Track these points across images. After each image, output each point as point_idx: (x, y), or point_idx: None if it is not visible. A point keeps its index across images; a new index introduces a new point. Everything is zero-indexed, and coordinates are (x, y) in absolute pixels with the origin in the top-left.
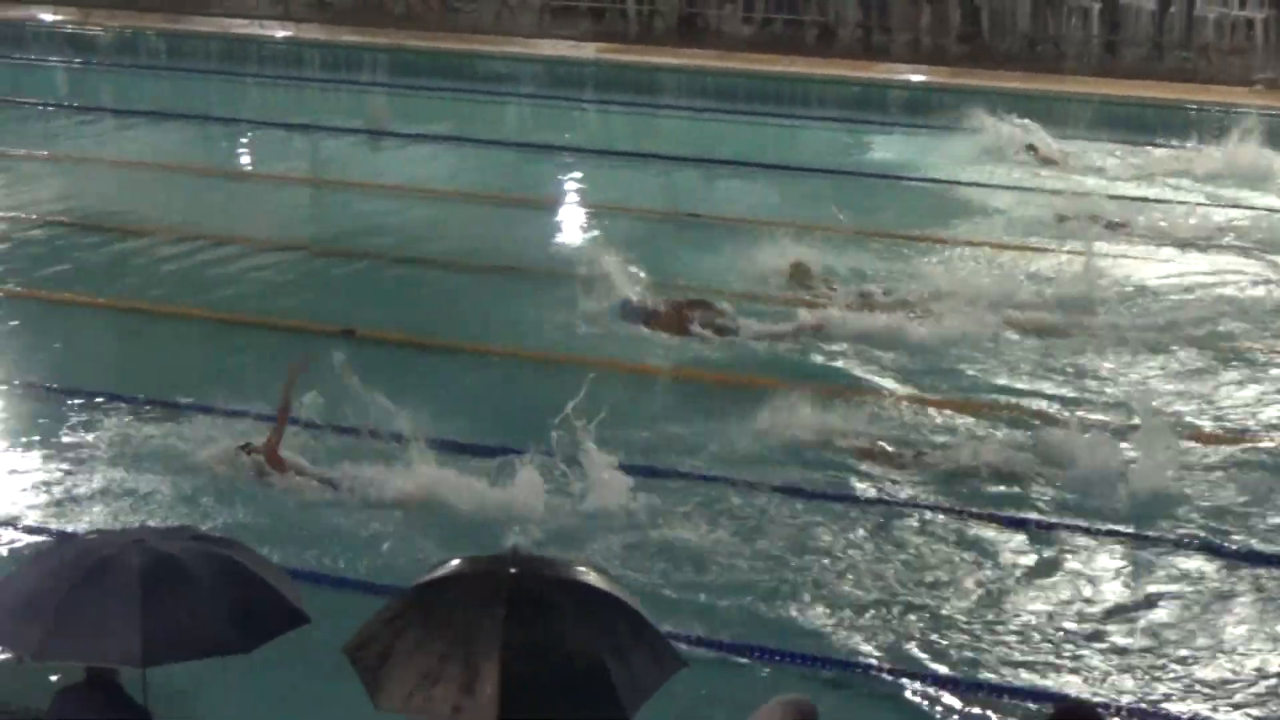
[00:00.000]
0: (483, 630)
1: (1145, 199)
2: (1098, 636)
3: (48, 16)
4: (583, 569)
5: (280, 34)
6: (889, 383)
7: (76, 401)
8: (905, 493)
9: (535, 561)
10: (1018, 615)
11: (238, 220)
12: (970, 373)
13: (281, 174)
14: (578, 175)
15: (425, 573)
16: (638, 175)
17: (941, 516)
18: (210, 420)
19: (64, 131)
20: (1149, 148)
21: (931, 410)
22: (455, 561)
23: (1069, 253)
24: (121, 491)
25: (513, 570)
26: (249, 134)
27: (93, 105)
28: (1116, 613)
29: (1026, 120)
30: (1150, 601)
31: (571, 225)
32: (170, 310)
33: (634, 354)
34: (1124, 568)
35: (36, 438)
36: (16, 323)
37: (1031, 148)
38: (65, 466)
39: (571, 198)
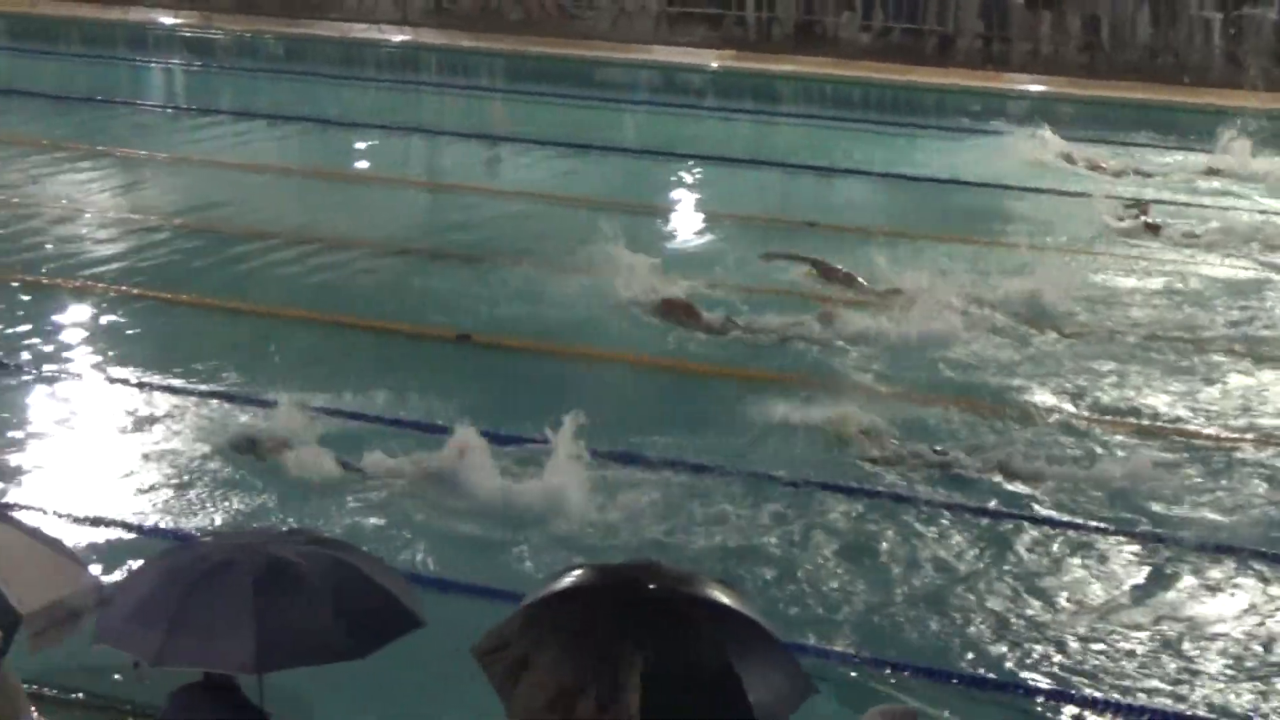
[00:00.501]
0: (623, 648)
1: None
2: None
3: (168, 20)
4: (718, 586)
5: (398, 38)
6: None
7: (185, 400)
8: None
9: (672, 576)
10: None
11: (353, 223)
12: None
13: (398, 178)
14: (694, 181)
15: (558, 575)
16: (754, 182)
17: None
18: (319, 421)
19: (183, 134)
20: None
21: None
22: (591, 570)
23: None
24: (233, 490)
25: (651, 586)
26: (366, 138)
27: (212, 108)
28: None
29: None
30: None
31: (686, 231)
32: (283, 312)
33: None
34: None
35: (144, 435)
36: (131, 321)
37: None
38: (175, 465)
39: (687, 204)
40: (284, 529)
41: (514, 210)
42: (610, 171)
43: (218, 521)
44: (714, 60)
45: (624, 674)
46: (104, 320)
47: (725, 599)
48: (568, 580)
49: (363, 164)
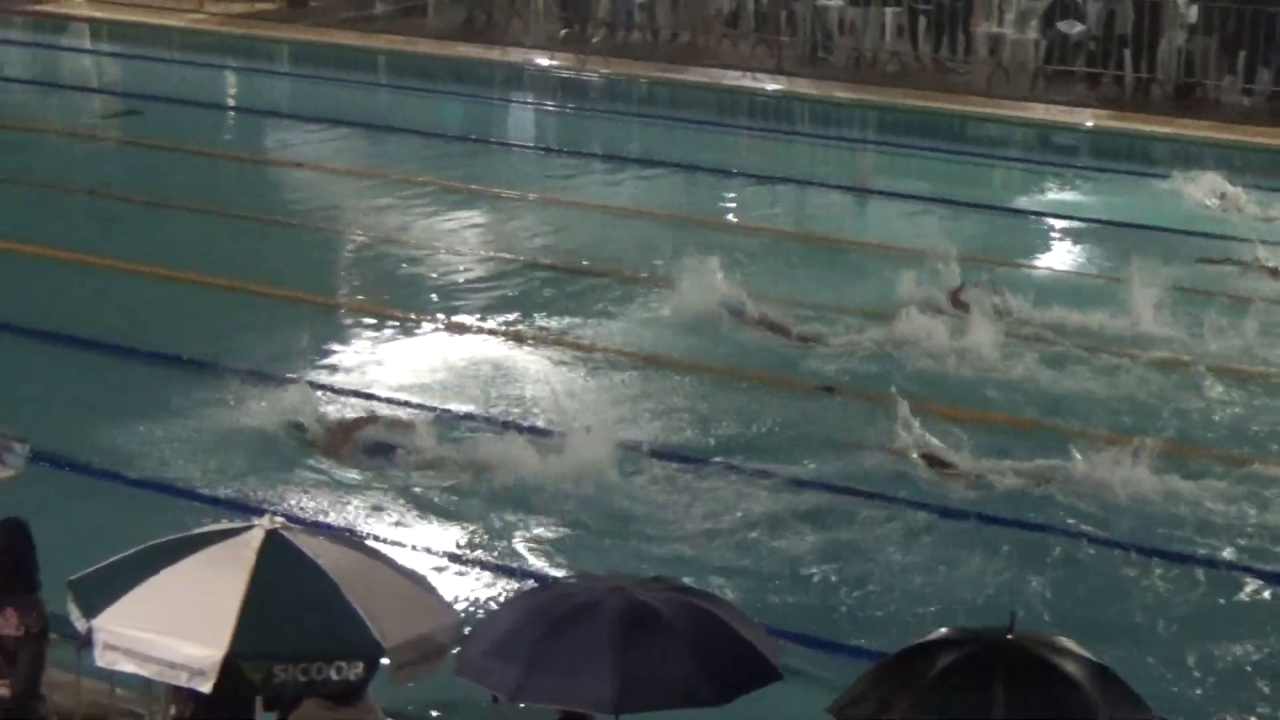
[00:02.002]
0: (969, 702)
1: None
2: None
3: (544, 61)
4: (1074, 643)
5: (771, 87)
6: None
7: (539, 439)
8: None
9: (1030, 634)
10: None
11: (716, 271)
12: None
13: (765, 226)
14: (1064, 242)
15: (919, 638)
16: (1128, 244)
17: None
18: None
19: (553, 175)
20: None
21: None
22: (947, 629)
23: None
24: (586, 532)
25: (1007, 637)
26: (735, 185)
27: (583, 150)
28: None
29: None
30: None
31: (1056, 292)
32: (636, 354)
33: None
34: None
35: (487, 473)
36: (488, 356)
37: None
38: (513, 501)
39: (1058, 263)
40: (649, 575)
41: (881, 263)
42: (979, 227)
43: (586, 560)
44: (1089, 119)
45: None
46: (460, 355)
47: (1084, 653)
48: (924, 639)
49: (730, 212)
